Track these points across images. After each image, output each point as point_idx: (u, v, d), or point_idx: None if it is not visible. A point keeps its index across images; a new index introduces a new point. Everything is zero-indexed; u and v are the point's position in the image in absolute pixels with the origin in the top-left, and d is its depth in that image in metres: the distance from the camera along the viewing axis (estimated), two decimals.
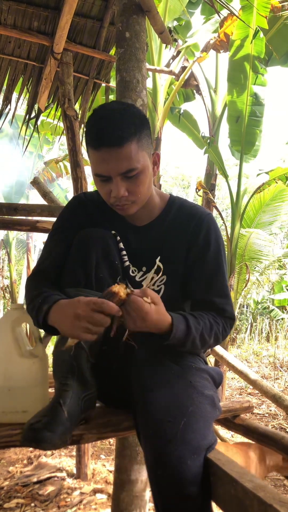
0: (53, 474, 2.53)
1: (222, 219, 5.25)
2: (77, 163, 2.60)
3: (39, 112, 3.10)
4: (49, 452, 2.83)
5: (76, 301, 0.93)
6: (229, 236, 4.96)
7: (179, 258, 1.17)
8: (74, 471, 2.57)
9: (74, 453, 2.74)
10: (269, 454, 1.89)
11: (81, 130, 2.86)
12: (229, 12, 3.63)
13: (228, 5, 2.61)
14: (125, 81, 1.80)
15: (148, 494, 1.72)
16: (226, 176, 5.08)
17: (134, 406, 1.01)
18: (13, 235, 10.56)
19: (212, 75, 5.87)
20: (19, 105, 3.05)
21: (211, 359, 4.16)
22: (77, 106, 2.98)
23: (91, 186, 7.64)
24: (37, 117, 3.11)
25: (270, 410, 4.11)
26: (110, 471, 2.61)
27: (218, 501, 0.86)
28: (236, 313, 7.93)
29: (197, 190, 5.38)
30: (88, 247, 1.10)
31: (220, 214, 5.11)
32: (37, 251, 11.37)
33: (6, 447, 1.02)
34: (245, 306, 10.92)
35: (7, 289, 10.26)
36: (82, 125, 3.01)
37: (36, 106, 3.03)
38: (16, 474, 2.57)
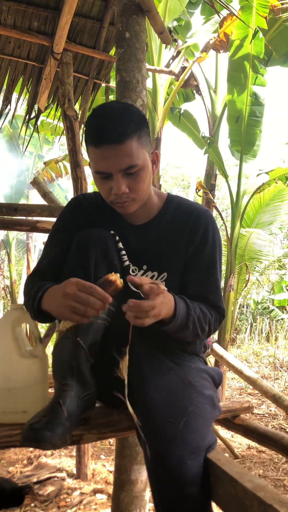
0: (53, 474, 2.53)
1: (222, 219, 5.25)
2: (77, 163, 2.60)
3: (39, 112, 3.10)
4: (49, 452, 2.83)
5: (66, 282, 0.94)
6: (229, 236, 4.95)
7: (179, 254, 1.19)
8: (74, 471, 2.57)
9: (74, 453, 2.74)
10: None
11: (81, 130, 2.86)
12: (229, 12, 3.63)
13: (228, 5, 2.62)
14: (125, 81, 1.80)
15: (148, 494, 1.72)
16: (226, 176, 5.08)
17: (134, 406, 1.01)
18: (13, 235, 10.57)
19: (212, 75, 5.87)
20: (19, 105, 3.05)
21: (211, 359, 4.16)
22: (77, 106, 2.98)
23: (91, 186, 7.64)
24: (37, 117, 3.11)
25: (270, 410, 4.11)
26: (110, 471, 2.61)
27: (218, 501, 0.86)
28: (236, 313, 7.95)
29: (197, 190, 5.38)
30: (87, 247, 1.11)
31: (220, 214, 5.11)
32: (37, 251, 11.38)
33: (6, 447, 1.02)
34: (245, 306, 10.92)
35: (7, 289, 10.26)
36: (82, 125, 3.01)
37: (36, 106, 3.03)
38: (16, 474, 2.57)
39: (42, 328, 8.22)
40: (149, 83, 4.87)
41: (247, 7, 4.09)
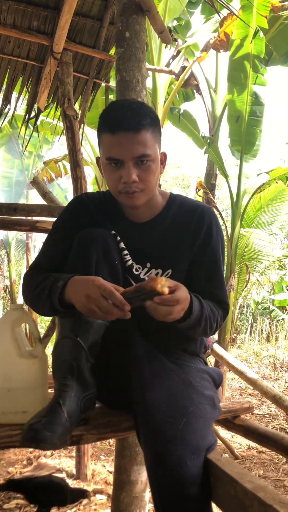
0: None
1: (222, 219, 5.25)
2: (76, 163, 2.59)
3: (39, 112, 3.09)
4: (48, 453, 2.82)
5: (90, 281, 0.97)
6: (229, 236, 4.95)
7: (184, 251, 1.19)
8: (74, 471, 2.57)
9: (73, 453, 2.74)
10: None
11: (81, 130, 2.86)
12: (229, 11, 3.62)
13: (228, 5, 2.61)
14: (125, 80, 1.80)
15: (148, 494, 1.71)
16: (226, 176, 5.08)
17: (134, 407, 1.01)
18: (13, 235, 10.56)
19: (212, 75, 5.86)
20: (19, 105, 3.04)
21: (211, 360, 4.16)
22: (76, 106, 2.98)
23: (91, 186, 7.64)
24: (36, 117, 3.11)
25: (270, 411, 4.10)
26: (110, 472, 2.61)
27: (218, 502, 0.86)
28: (236, 313, 7.95)
29: (197, 190, 5.38)
30: (88, 247, 1.10)
31: (220, 214, 5.10)
32: (37, 251, 11.36)
33: (6, 447, 1.02)
34: (245, 307, 10.92)
35: (7, 289, 10.25)
36: (82, 125, 3.01)
37: (35, 106, 3.02)
38: (15, 475, 2.57)
39: (42, 328, 8.22)
40: (149, 83, 4.86)
41: (248, 6, 4.09)
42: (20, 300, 9.51)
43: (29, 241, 10.26)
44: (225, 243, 5.13)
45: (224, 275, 1.25)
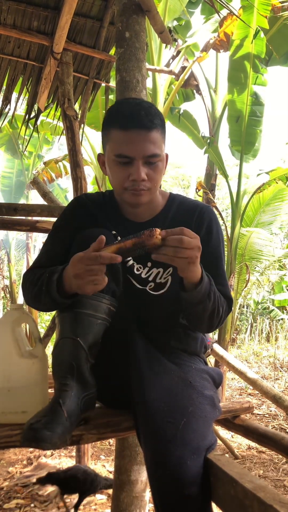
0: None
1: (222, 219, 5.25)
2: (76, 163, 2.59)
3: (39, 112, 3.09)
4: (48, 453, 2.82)
5: (71, 263, 0.98)
6: (229, 236, 4.95)
7: None
8: None
9: (73, 453, 2.74)
10: None
11: (81, 130, 2.86)
12: (229, 11, 3.62)
13: (228, 5, 2.61)
14: (125, 81, 1.80)
15: (148, 494, 1.71)
16: (226, 176, 5.07)
17: (134, 407, 1.01)
18: (13, 235, 10.57)
19: (212, 75, 5.86)
20: (19, 105, 3.04)
21: (211, 360, 4.16)
22: (76, 106, 2.98)
23: (91, 186, 7.64)
24: (36, 117, 3.11)
25: (270, 411, 4.10)
26: (110, 472, 2.60)
27: (218, 502, 0.86)
28: (236, 313, 7.94)
29: (197, 190, 5.38)
30: (88, 247, 1.10)
31: (220, 214, 5.10)
32: (37, 251, 11.36)
33: (6, 447, 1.02)
34: (245, 306, 10.91)
35: (7, 290, 10.25)
36: (82, 125, 3.01)
37: (35, 106, 3.02)
38: (15, 475, 2.57)
39: (42, 328, 8.21)
40: (149, 83, 4.86)
41: (248, 7, 4.09)
42: (20, 300, 9.51)
43: (29, 241, 10.26)
44: (225, 243, 5.15)
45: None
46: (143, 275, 1.19)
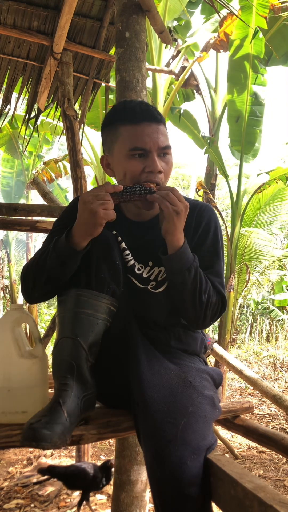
0: None
1: (222, 219, 5.25)
2: (76, 163, 2.59)
3: (39, 112, 3.09)
4: (48, 453, 2.82)
5: (81, 197, 1.03)
6: (229, 236, 4.95)
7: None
8: None
9: (74, 453, 2.74)
10: None
11: (81, 130, 2.85)
12: (229, 11, 3.62)
13: (228, 5, 2.61)
14: (125, 81, 1.80)
15: (148, 494, 1.72)
16: (226, 176, 5.08)
17: (134, 407, 1.01)
18: (13, 235, 10.57)
19: (212, 75, 5.87)
20: (19, 105, 3.04)
21: (211, 360, 4.16)
22: (76, 106, 2.98)
23: (91, 186, 7.63)
24: (36, 117, 3.11)
25: (270, 411, 4.10)
26: None
27: (218, 502, 0.86)
28: (236, 313, 7.94)
29: (197, 190, 5.38)
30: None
31: (220, 214, 5.10)
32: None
33: (6, 447, 1.02)
34: (245, 306, 10.91)
35: (7, 290, 10.25)
36: (82, 125, 3.01)
37: (35, 106, 3.03)
38: (15, 475, 2.57)
39: (42, 328, 8.22)
40: (149, 83, 4.87)
41: (247, 7, 4.09)
42: (20, 300, 9.51)
43: (29, 241, 10.27)
44: (225, 243, 5.15)
45: (224, 273, 1.24)
46: (144, 275, 1.19)
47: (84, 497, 1.85)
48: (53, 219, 1.64)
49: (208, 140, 5.11)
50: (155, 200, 1.06)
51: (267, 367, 6.00)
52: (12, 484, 2.42)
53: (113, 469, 1.80)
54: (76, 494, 2.31)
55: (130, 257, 1.20)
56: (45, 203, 2.95)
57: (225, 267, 5.51)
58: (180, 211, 1.05)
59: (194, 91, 5.73)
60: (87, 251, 1.08)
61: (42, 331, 6.13)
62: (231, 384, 5.17)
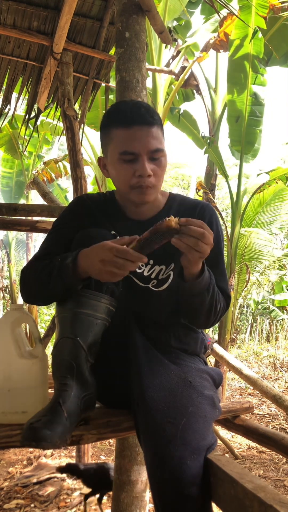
0: (53, 475, 2.53)
1: (222, 219, 5.25)
2: (76, 163, 2.59)
3: (39, 112, 3.09)
4: (48, 453, 2.82)
5: (100, 247, 0.98)
6: (229, 236, 4.95)
7: None
8: None
9: (74, 453, 2.74)
10: None
11: (81, 130, 2.85)
12: (229, 11, 3.62)
13: (227, 5, 2.61)
14: (125, 81, 1.80)
15: (148, 495, 1.71)
16: (226, 176, 5.08)
17: (134, 407, 1.01)
18: (13, 235, 10.57)
19: (212, 75, 5.87)
20: (19, 105, 3.04)
21: (211, 360, 4.16)
22: (76, 106, 2.98)
23: (91, 186, 7.64)
24: (36, 117, 3.11)
25: (270, 411, 4.10)
26: None
27: (218, 502, 0.86)
28: (236, 313, 7.94)
29: (197, 190, 5.38)
30: (87, 246, 1.10)
31: (220, 214, 5.10)
32: (37, 251, 11.35)
33: (6, 447, 1.02)
34: (245, 306, 10.91)
35: (7, 290, 10.25)
36: (82, 125, 3.01)
37: (35, 106, 3.03)
38: (16, 475, 2.57)
39: (42, 328, 8.22)
40: (149, 83, 4.87)
41: (246, 6, 4.09)
42: (20, 300, 9.51)
43: (29, 241, 10.27)
44: (225, 243, 5.15)
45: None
46: (145, 273, 1.19)
47: (102, 496, 1.91)
48: (53, 219, 1.64)
49: (208, 140, 5.11)
50: (181, 248, 0.96)
51: (267, 367, 6.00)
52: (12, 484, 2.42)
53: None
54: (76, 494, 2.31)
55: None
56: (45, 203, 2.95)
57: (225, 265, 5.49)
58: (206, 254, 0.98)
59: (194, 91, 5.73)
60: None
61: (42, 331, 6.13)
62: (231, 384, 5.17)
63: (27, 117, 3.06)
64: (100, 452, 3.03)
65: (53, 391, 1.04)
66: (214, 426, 1.71)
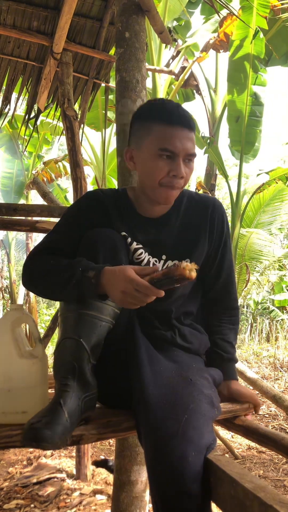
0: (52, 475, 2.53)
1: None
2: (76, 163, 2.59)
3: (39, 112, 3.09)
4: (48, 453, 2.82)
5: (121, 276, 0.97)
6: None
7: (200, 242, 1.22)
8: (74, 472, 2.57)
9: (74, 454, 2.74)
10: None
11: (81, 130, 2.85)
12: (229, 12, 3.62)
13: (228, 5, 2.61)
14: (125, 81, 1.80)
15: (148, 495, 1.71)
16: (226, 176, 5.08)
17: (135, 406, 1.01)
18: (13, 235, 10.56)
19: (212, 75, 5.87)
20: (19, 105, 3.04)
21: None
22: (76, 106, 2.98)
23: (91, 186, 7.63)
24: (36, 117, 3.11)
25: (270, 411, 4.10)
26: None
27: (218, 502, 0.86)
28: None
29: (197, 190, 5.38)
30: (95, 247, 1.10)
31: None
32: None
33: (6, 447, 1.02)
34: (245, 307, 10.91)
35: (7, 290, 10.25)
36: (82, 125, 3.01)
37: (35, 106, 3.03)
38: (15, 475, 2.57)
39: (42, 328, 8.22)
40: (149, 83, 4.87)
41: (248, 7, 4.09)
42: (20, 300, 9.51)
43: (29, 241, 10.26)
44: None
45: None
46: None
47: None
48: (53, 219, 1.64)
49: (208, 140, 5.11)
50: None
51: (267, 367, 6.00)
52: (12, 484, 2.42)
53: None
54: (76, 494, 2.31)
55: (142, 255, 1.20)
56: (45, 203, 2.95)
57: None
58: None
59: (194, 91, 5.73)
60: (93, 253, 1.08)
61: (42, 331, 6.13)
62: None
63: (27, 117, 3.06)
64: (100, 452, 3.03)
65: (53, 391, 1.04)
66: (214, 426, 1.71)
